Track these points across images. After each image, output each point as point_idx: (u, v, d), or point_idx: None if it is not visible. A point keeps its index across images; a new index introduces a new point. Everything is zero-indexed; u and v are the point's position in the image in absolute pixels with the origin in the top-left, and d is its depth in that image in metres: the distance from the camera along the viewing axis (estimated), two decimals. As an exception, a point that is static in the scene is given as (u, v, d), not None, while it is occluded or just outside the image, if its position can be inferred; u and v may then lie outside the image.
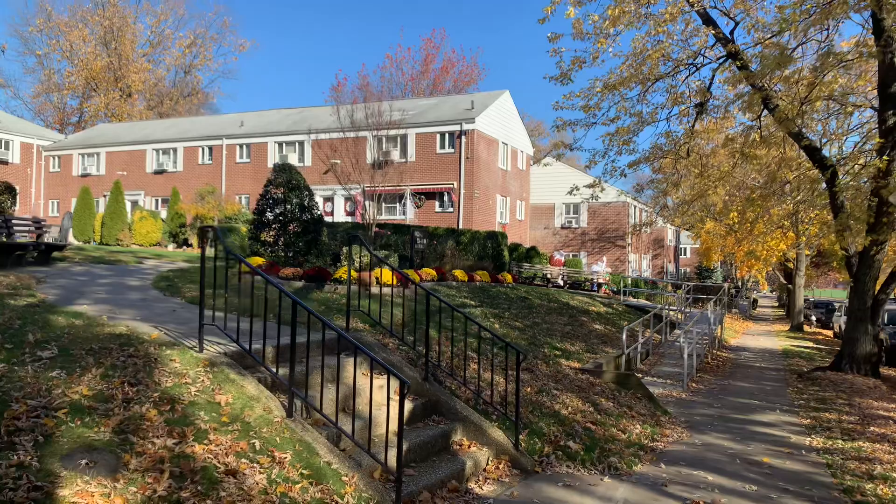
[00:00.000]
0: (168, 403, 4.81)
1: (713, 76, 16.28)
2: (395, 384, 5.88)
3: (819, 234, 26.77)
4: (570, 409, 8.51)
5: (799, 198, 21.03)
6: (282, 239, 14.69)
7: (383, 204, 30.99)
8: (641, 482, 6.47)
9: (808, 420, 10.45)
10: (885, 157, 13.62)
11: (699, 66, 16.11)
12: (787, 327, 35.64)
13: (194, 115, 56.37)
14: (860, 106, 16.81)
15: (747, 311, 45.40)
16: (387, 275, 11.09)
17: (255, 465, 4.45)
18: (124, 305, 8.30)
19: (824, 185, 16.34)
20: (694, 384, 14.10)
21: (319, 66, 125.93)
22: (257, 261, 13.56)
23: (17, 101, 79.94)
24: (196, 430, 4.57)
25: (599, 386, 10.38)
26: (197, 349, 5.95)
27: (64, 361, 5.12)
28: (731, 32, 15.11)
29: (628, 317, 20.63)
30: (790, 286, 38.38)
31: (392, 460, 5.02)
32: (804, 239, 30.59)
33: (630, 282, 35.91)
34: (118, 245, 27.77)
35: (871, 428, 9.72)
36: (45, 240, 14.35)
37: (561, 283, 28.94)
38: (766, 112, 15.48)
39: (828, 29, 13.82)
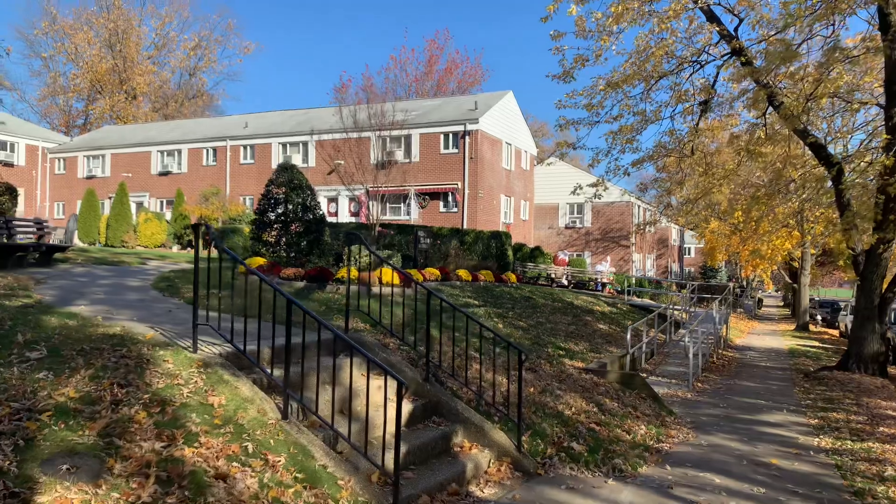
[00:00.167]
0: (158, 405, 4.69)
1: (717, 73, 16.11)
2: (393, 385, 5.77)
3: (825, 232, 26.53)
4: (573, 409, 8.37)
5: (804, 196, 20.82)
6: (284, 239, 14.58)
7: (387, 204, 30.91)
8: (647, 484, 6.33)
9: (816, 420, 10.28)
10: (891, 154, 13.44)
11: (703, 63, 15.94)
12: (792, 326, 35.40)
13: (199, 117, 56.39)
14: (866, 103, 16.62)
15: (752, 311, 45.12)
16: (389, 275, 10.98)
17: (246, 468, 4.33)
18: (122, 306, 8.20)
19: (830, 182, 16.15)
20: (699, 384, 13.94)
21: (324, 67, 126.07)
22: (259, 261, 13.46)
23: (24, 104, 79.86)
24: (186, 432, 4.45)
25: (603, 386, 10.24)
26: (191, 350, 5.84)
27: (52, 362, 5.01)
28: (736, 29, 14.95)
29: (632, 316, 20.47)
30: (795, 285, 38.13)
31: (390, 463, 4.89)
32: (809, 238, 30.34)
33: (634, 281, 35.74)
34: (123, 247, 27.74)
35: (881, 428, 9.54)
36: (50, 241, 14.31)
37: (565, 282, 28.79)
38: (770, 109, 15.31)
39: (833, 24, 13.63)
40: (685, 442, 8.41)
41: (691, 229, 43.56)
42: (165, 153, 41.05)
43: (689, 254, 70.25)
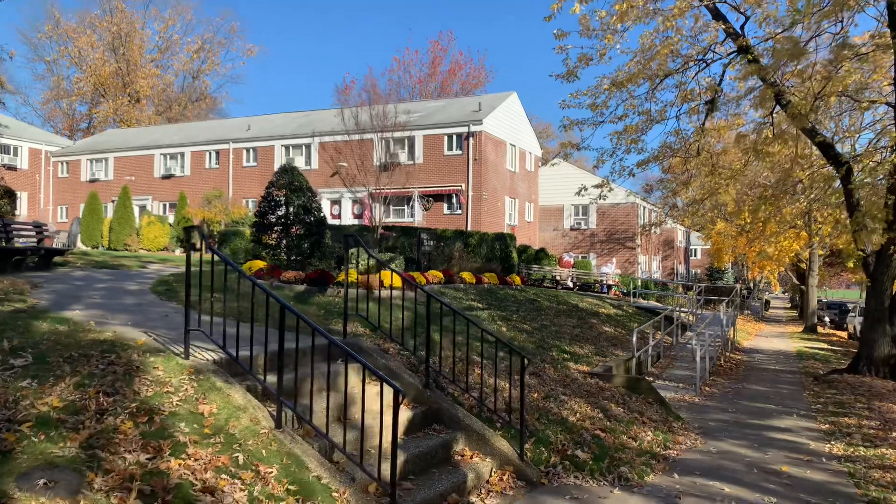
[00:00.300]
0: (146, 415, 4.51)
1: (724, 72, 15.89)
2: (390, 393, 5.58)
3: (833, 233, 26.23)
4: (578, 415, 8.16)
5: (812, 196, 20.55)
6: (284, 242, 14.42)
7: (391, 206, 30.71)
8: (654, 494, 6.12)
9: (827, 425, 10.05)
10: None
11: (709, 62, 15.71)
12: (800, 328, 35.07)
13: (203, 120, 56.34)
14: (875, 101, 16.37)
15: (759, 313, 44.79)
16: (392, 278, 10.80)
17: (236, 481, 4.14)
18: (117, 310, 8.04)
19: (839, 182, 15.90)
20: (707, 388, 13.70)
21: (327, 69, 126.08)
22: (258, 264, 13.29)
23: (27, 107, 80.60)
24: (174, 443, 4.26)
25: (609, 390, 10.03)
26: (183, 356, 5.67)
27: (38, 370, 4.83)
28: (742, 27, 14.72)
29: (638, 319, 20.24)
30: (803, 287, 37.79)
31: (387, 473, 4.70)
32: (817, 239, 30.04)
33: (640, 283, 35.48)
34: (126, 250, 27.66)
35: (894, 434, 9.31)
36: (52, 244, 14.20)
37: (570, 284, 28.56)
38: (777, 108, 15.08)
39: (842, 21, 13.40)
40: (693, 448, 8.20)
41: (697, 230, 43.26)
42: (168, 156, 40.99)
43: (695, 255, 69.90)
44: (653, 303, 28.34)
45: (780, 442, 8.81)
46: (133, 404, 4.60)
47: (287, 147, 37.11)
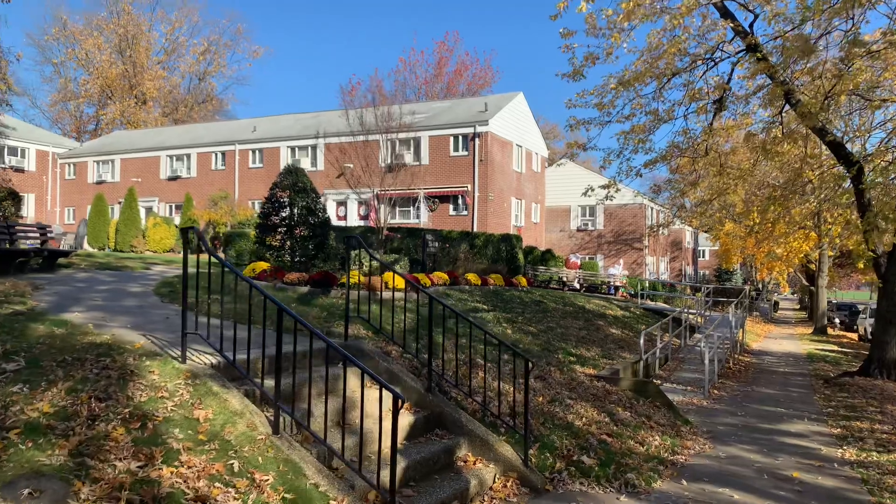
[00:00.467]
0: (139, 420, 4.39)
1: (732, 71, 15.69)
2: (390, 398, 5.45)
3: (843, 233, 25.94)
4: (584, 419, 8.01)
5: (822, 196, 20.31)
6: (288, 243, 14.33)
7: (396, 207, 30.61)
8: (661, 501, 5.97)
9: (839, 429, 9.86)
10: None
11: (717, 60, 15.52)
12: (809, 330, 34.76)
13: (209, 121, 56.43)
14: (886, 100, 16.14)
15: (768, 314, 44.45)
16: (396, 280, 10.67)
17: (230, 489, 4.02)
18: (118, 312, 7.94)
19: (849, 182, 15.69)
20: (716, 391, 13.52)
21: (333, 70, 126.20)
22: (261, 266, 13.18)
23: (35, 109, 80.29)
24: (167, 450, 4.15)
25: (616, 394, 9.87)
26: (180, 360, 5.56)
27: (30, 374, 4.73)
28: (751, 25, 14.53)
29: (646, 320, 20.04)
30: (812, 288, 37.48)
31: (387, 480, 4.57)
32: (827, 239, 29.73)
33: (647, 285, 35.24)
34: (132, 251, 27.64)
35: (908, 438, 9.12)
36: (60, 246, 14.16)
37: (577, 286, 28.38)
38: (787, 107, 14.89)
39: (853, 18, 13.19)
40: (702, 453, 8.04)
41: (706, 231, 42.92)
42: (174, 158, 41.03)
43: (703, 256, 69.49)
44: (660, 304, 28.12)
45: (791, 447, 8.64)
46: (126, 410, 4.49)
47: (293, 148, 37.08)
